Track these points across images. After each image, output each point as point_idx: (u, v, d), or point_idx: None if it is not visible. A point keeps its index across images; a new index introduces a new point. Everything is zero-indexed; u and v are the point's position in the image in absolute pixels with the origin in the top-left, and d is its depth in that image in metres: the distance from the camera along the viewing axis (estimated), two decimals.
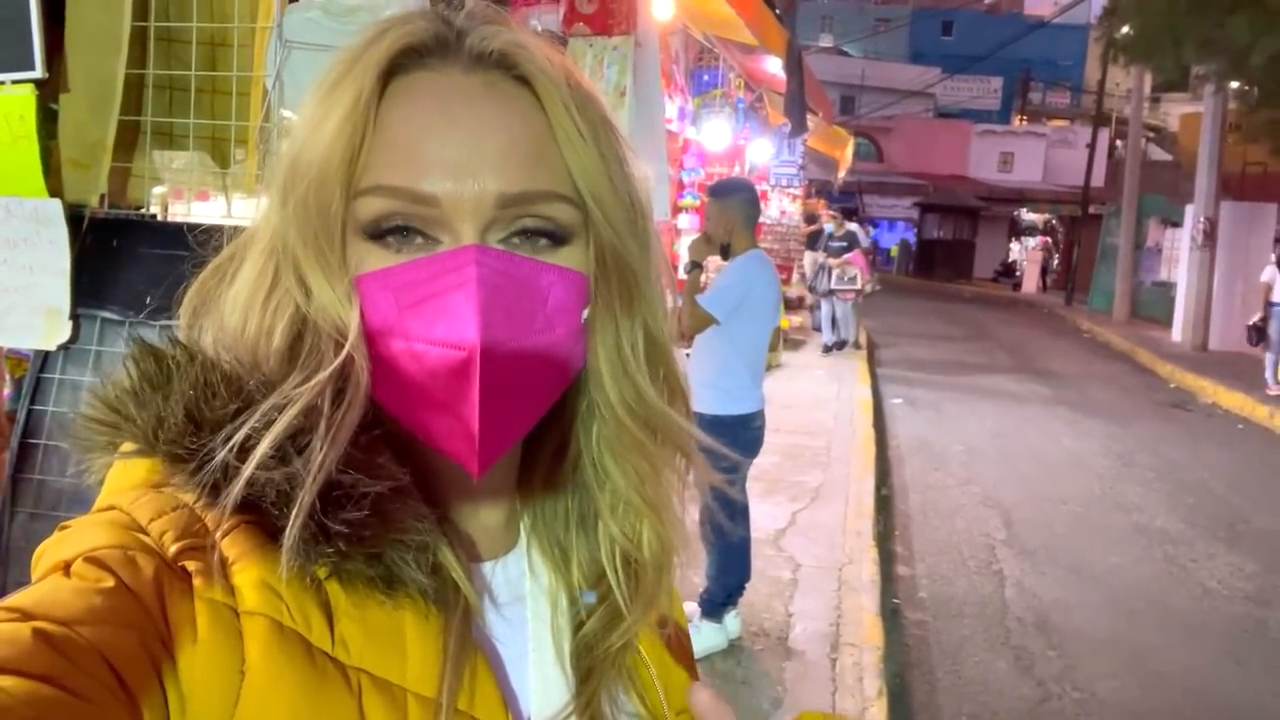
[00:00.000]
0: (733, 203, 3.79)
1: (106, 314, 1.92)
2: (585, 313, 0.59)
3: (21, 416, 1.92)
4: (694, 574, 3.88)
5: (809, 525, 5.29)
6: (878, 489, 6.16)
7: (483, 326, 0.52)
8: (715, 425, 3.52)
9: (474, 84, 0.55)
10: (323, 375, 0.52)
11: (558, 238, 0.56)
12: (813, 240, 12.28)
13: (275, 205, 0.57)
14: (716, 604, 3.73)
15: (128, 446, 0.53)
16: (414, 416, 0.55)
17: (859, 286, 11.19)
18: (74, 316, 1.91)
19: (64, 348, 1.92)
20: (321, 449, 0.50)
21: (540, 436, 0.62)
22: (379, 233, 0.54)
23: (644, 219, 0.60)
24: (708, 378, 3.57)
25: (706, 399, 3.55)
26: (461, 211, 0.53)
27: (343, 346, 0.53)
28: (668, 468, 0.64)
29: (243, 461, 0.49)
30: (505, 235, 0.55)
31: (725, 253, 3.79)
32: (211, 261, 0.61)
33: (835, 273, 11.18)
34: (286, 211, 0.55)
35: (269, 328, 0.55)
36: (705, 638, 3.66)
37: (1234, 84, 12.59)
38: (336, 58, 0.56)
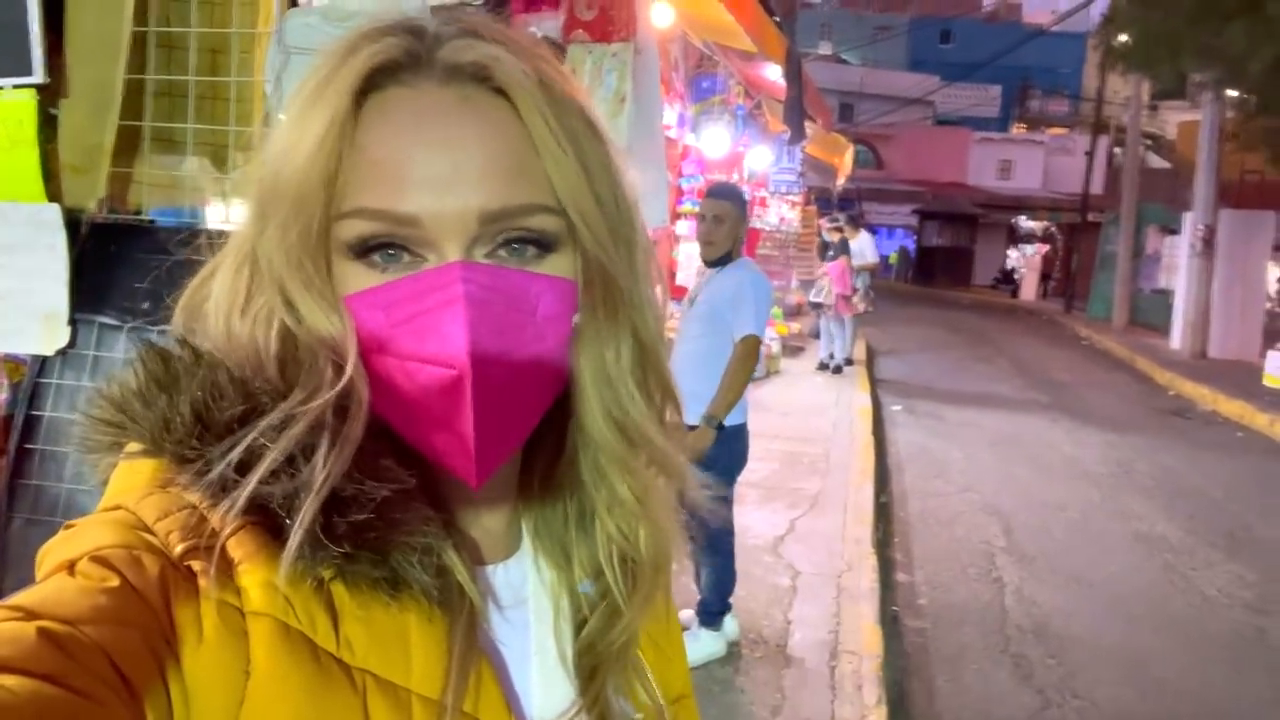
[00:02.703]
0: (740, 209, 3.75)
1: (105, 319, 1.92)
2: (575, 319, 0.59)
3: (19, 422, 1.92)
4: (687, 581, 3.88)
5: (808, 532, 5.28)
6: (877, 496, 6.16)
7: (472, 343, 0.52)
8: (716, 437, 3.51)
9: (449, 98, 0.54)
10: (326, 397, 0.52)
11: (544, 246, 0.56)
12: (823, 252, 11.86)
13: (250, 222, 0.57)
14: (714, 612, 3.72)
15: (134, 447, 0.53)
16: (412, 431, 0.56)
17: (824, 299, 10.58)
18: (72, 321, 1.91)
19: (62, 353, 1.92)
20: (326, 463, 0.50)
21: (539, 439, 0.62)
22: (364, 252, 0.54)
23: (630, 224, 0.60)
24: (709, 389, 3.52)
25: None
26: (444, 230, 0.53)
27: (340, 365, 0.53)
28: (653, 470, 0.65)
29: (250, 467, 0.49)
30: (491, 249, 0.55)
31: (724, 259, 3.69)
32: (200, 268, 0.61)
33: (814, 285, 10.88)
34: (268, 234, 0.55)
35: (253, 337, 0.55)
36: (704, 645, 3.66)
37: (1232, 92, 12.63)
38: (312, 72, 0.56)
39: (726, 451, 3.52)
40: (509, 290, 0.54)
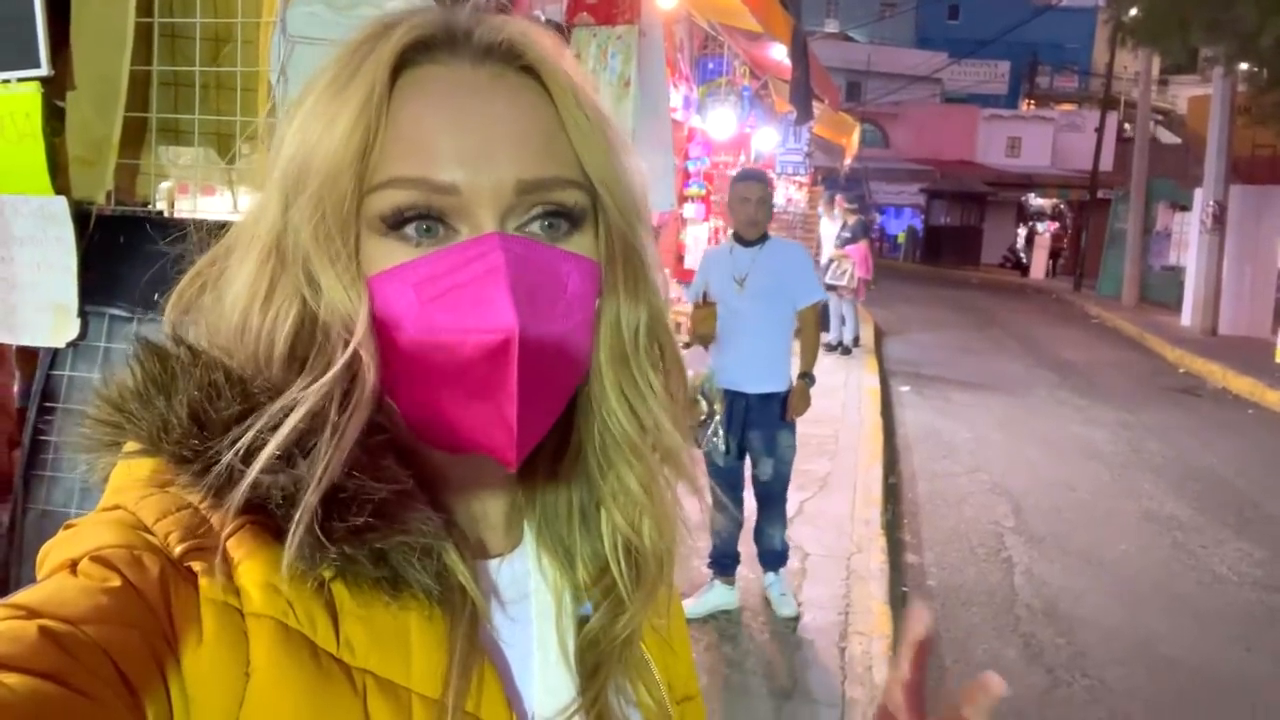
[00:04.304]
0: (770, 189, 4.07)
1: (115, 311, 1.93)
2: (597, 301, 0.59)
3: (32, 414, 1.93)
4: (699, 564, 3.90)
5: (817, 514, 5.30)
6: (885, 477, 6.16)
7: (517, 309, 0.52)
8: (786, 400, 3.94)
9: (483, 76, 0.56)
10: (328, 376, 0.52)
11: (573, 219, 0.57)
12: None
13: (276, 204, 0.56)
14: (785, 554, 4.06)
15: (131, 446, 0.53)
16: (440, 413, 0.55)
17: (845, 283, 10.48)
18: (82, 314, 1.92)
19: (73, 345, 1.93)
20: (327, 453, 0.50)
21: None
22: (399, 223, 0.54)
23: (644, 202, 0.62)
24: (780, 359, 3.94)
25: (785, 376, 3.95)
26: (480, 199, 0.54)
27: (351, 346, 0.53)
28: (660, 459, 0.64)
29: (249, 464, 0.49)
30: (522, 222, 0.56)
31: (763, 236, 3.92)
32: (192, 267, 0.61)
33: (833, 266, 10.78)
34: (298, 208, 0.55)
35: (270, 330, 0.55)
36: (783, 586, 4.01)
37: (1243, 66, 12.49)
38: (340, 52, 0.57)
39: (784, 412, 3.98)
40: (543, 264, 0.55)
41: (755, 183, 3.97)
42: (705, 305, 3.85)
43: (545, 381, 0.55)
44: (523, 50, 0.57)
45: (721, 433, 3.77)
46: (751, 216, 3.88)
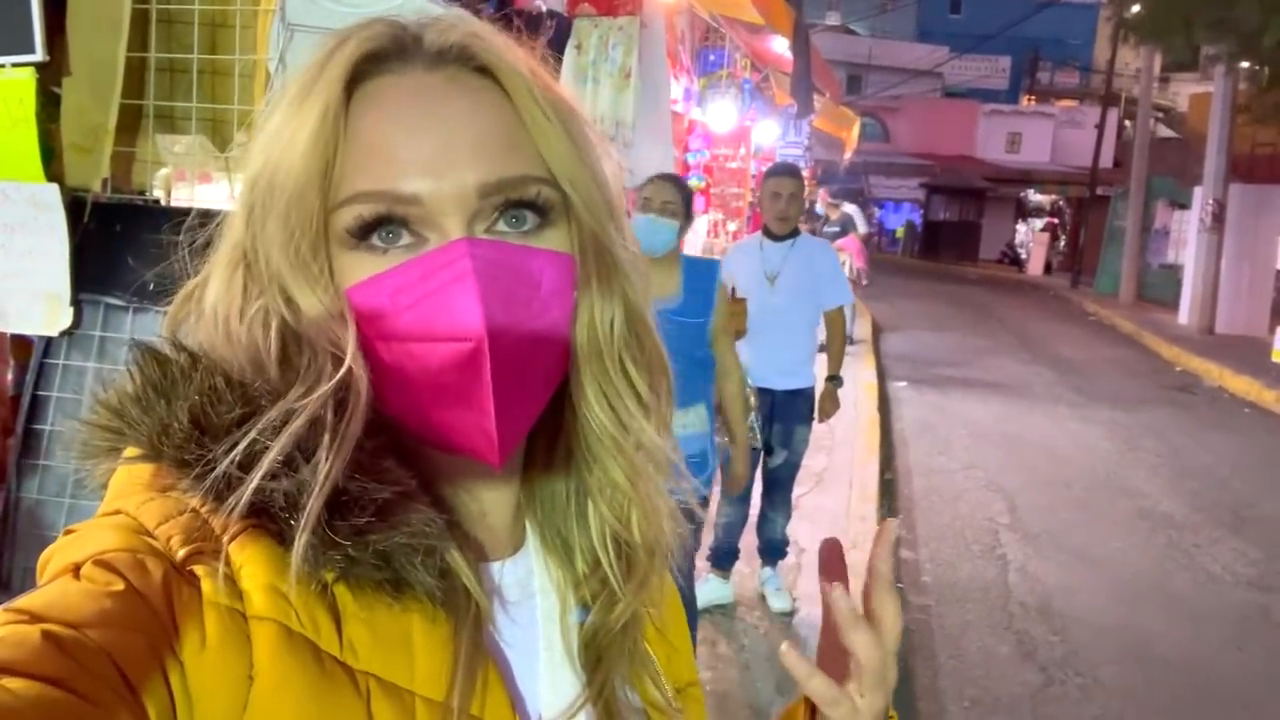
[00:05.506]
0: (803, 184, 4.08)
1: (110, 300, 1.92)
2: (574, 295, 0.59)
3: (25, 402, 1.92)
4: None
5: (813, 509, 5.30)
6: (882, 473, 6.16)
7: (486, 315, 0.52)
8: (811, 398, 3.97)
9: (438, 80, 0.56)
10: (325, 389, 0.52)
11: (541, 211, 0.57)
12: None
13: (240, 219, 0.57)
14: (785, 551, 4.13)
15: (131, 452, 0.53)
16: (425, 418, 0.56)
17: (850, 276, 10.68)
18: (77, 302, 1.90)
19: (68, 333, 1.92)
20: (328, 459, 0.50)
21: (539, 427, 0.62)
22: (365, 233, 0.54)
23: (615, 193, 0.62)
24: (806, 356, 3.95)
25: (811, 372, 3.97)
26: (445, 206, 0.54)
27: (340, 359, 0.53)
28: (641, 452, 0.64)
29: (249, 469, 0.49)
30: (490, 224, 0.56)
31: (793, 232, 3.92)
32: (206, 247, 0.61)
33: None
34: (266, 231, 0.55)
35: (254, 338, 0.55)
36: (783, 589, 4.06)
37: (1244, 65, 12.47)
38: (304, 68, 0.57)
39: (813, 405, 4.07)
40: (513, 265, 0.55)
41: (788, 178, 3.93)
42: (736, 301, 3.79)
43: (523, 381, 0.55)
44: (474, 52, 0.57)
45: (758, 430, 3.73)
46: (783, 211, 3.85)
